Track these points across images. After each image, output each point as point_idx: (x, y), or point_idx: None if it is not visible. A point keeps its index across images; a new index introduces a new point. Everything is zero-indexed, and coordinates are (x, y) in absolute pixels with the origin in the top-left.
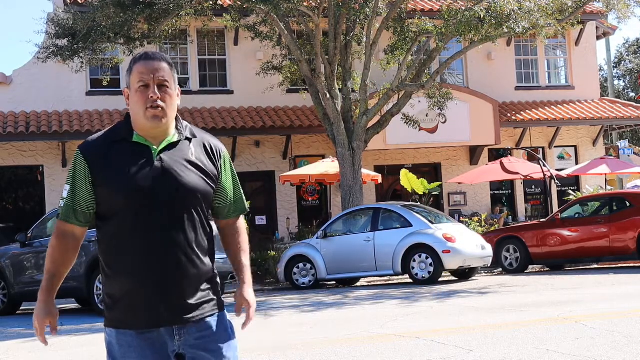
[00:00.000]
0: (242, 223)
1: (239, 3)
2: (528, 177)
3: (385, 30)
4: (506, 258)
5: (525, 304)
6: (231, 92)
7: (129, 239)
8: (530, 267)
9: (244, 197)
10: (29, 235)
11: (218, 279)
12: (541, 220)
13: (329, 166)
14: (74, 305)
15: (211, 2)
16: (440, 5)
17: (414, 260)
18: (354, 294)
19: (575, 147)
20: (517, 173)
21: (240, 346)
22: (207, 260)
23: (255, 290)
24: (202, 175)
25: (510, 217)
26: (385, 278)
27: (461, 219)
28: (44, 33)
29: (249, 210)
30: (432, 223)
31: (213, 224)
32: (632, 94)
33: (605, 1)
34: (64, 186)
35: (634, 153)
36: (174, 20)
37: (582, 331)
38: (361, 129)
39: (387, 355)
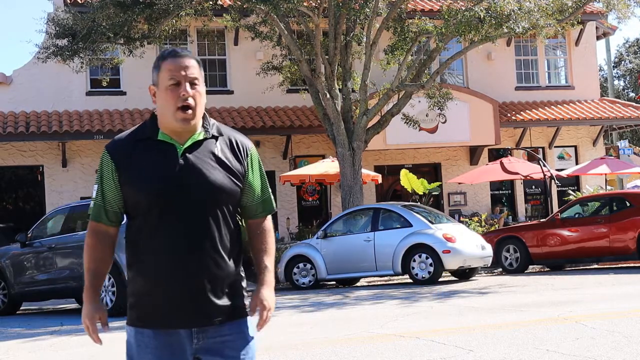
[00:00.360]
0: (269, 224)
1: (239, 3)
2: (528, 177)
3: (385, 30)
4: (506, 258)
5: (525, 304)
6: (231, 92)
7: (153, 239)
8: (530, 267)
9: (272, 197)
10: (29, 235)
11: (244, 283)
12: (541, 220)
13: (329, 166)
14: (74, 305)
15: (211, 2)
16: (440, 5)
17: (414, 260)
18: (354, 294)
19: (575, 147)
20: (517, 173)
21: None
22: (231, 262)
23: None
24: (228, 174)
25: (510, 217)
26: (385, 278)
27: (461, 219)
28: (44, 33)
29: (276, 210)
30: (432, 223)
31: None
32: (632, 94)
33: (605, 1)
34: (92, 186)
35: (634, 153)
36: (174, 20)
37: (582, 331)
38: (361, 129)
39: (387, 355)
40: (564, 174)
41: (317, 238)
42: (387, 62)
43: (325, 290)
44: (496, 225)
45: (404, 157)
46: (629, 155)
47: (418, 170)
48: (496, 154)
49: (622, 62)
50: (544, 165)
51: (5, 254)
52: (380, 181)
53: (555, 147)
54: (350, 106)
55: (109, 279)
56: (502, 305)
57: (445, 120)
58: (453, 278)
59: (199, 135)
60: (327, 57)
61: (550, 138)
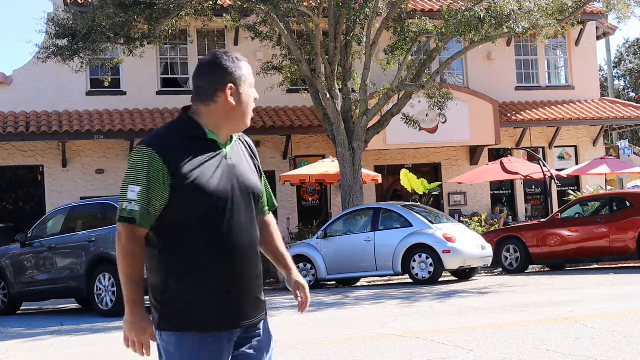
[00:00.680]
0: (273, 218)
1: (239, 3)
2: (528, 177)
3: (385, 30)
4: (506, 258)
5: (525, 304)
6: None
7: (210, 240)
8: (531, 267)
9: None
10: (29, 235)
11: None
12: (541, 220)
13: (329, 166)
14: (74, 305)
15: (211, 2)
16: (440, 5)
17: (414, 260)
18: (354, 294)
19: (575, 147)
20: (517, 173)
21: None
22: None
23: None
24: (256, 174)
25: (510, 217)
26: (386, 278)
27: (461, 219)
28: (44, 33)
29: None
30: (432, 223)
31: None
32: (632, 94)
33: (605, 1)
34: (127, 187)
35: (634, 153)
36: (174, 21)
37: (582, 331)
38: (361, 129)
39: (387, 355)
40: (564, 174)
41: (317, 238)
42: (387, 62)
43: (325, 290)
44: (496, 225)
45: (404, 157)
46: (629, 155)
47: (418, 170)
48: (496, 154)
49: (622, 62)
50: (544, 165)
51: (5, 254)
52: (380, 181)
53: (555, 147)
54: (351, 106)
55: (109, 279)
56: (502, 305)
57: (446, 120)
58: (453, 278)
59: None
60: (327, 57)
61: (550, 138)
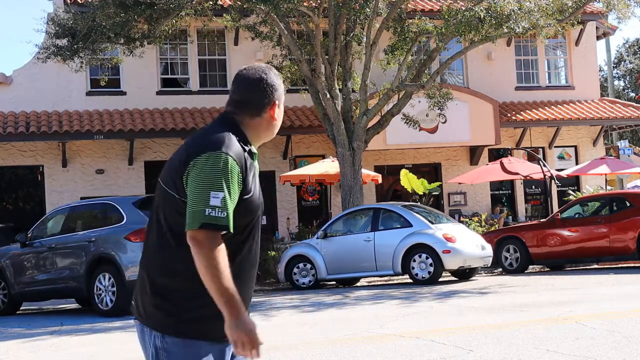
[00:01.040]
0: None
1: (239, 3)
2: (528, 177)
3: (385, 30)
4: (506, 258)
5: (525, 304)
6: None
7: (241, 249)
8: (530, 267)
9: None
10: (29, 235)
11: None
12: (541, 220)
13: (329, 166)
14: (74, 305)
15: (211, 2)
16: (440, 5)
17: (414, 260)
18: (354, 294)
19: (575, 147)
20: (517, 173)
21: None
22: None
23: (255, 291)
24: None
25: (510, 217)
26: (386, 278)
27: (461, 219)
28: (44, 33)
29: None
30: (432, 223)
31: None
32: (632, 94)
33: (605, 1)
34: (209, 192)
35: (634, 153)
36: (174, 20)
37: (582, 331)
38: (361, 129)
39: (387, 355)
40: (564, 174)
41: (317, 238)
42: (387, 62)
43: (325, 290)
44: (496, 225)
45: (404, 157)
46: (629, 155)
47: (418, 170)
48: (496, 154)
49: (622, 62)
50: (544, 165)
51: (5, 254)
52: (380, 181)
53: (555, 147)
54: (350, 106)
55: (109, 279)
56: (502, 305)
57: (445, 120)
58: (453, 278)
59: None
60: (327, 57)
61: (550, 138)
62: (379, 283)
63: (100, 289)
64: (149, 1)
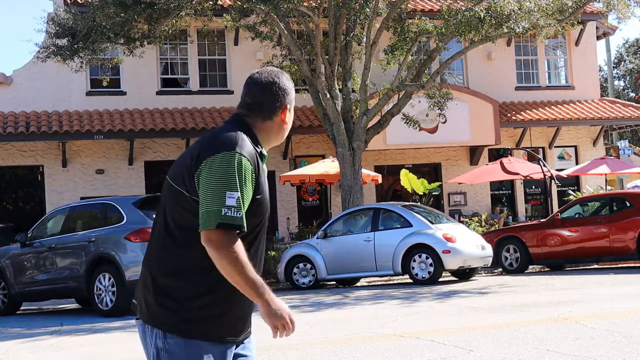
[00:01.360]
0: None
1: (239, 3)
2: (528, 177)
3: (385, 30)
4: (506, 258)
5: (525, 304)
6: (231, 92)
7: (249, 250)
8: (530, 267)
9: None
10: (29, 235)
11: None
12: (541, 220)
13: (329, 166)
14: (74, 305)
15: (211, 2)
16: (440, 5)
17: (414, 260)
18: (354, 294)
19: (575, 147)
20: (517, 173)
21: None
22: None
23: None
24: None
25: (510, 217)
26: (386, 278)
27: (461, 219)
28: (44, 32)
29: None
30: (432, 223)
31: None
32: (632, 94)
33: (605, 1)
34: (224, 192)
35: (634, 153)
36: (174, 20)
37: (582, 331)
38: (361, 129)
39: (387, 355)
40: (564, 174)
41: (317, 238)
42: (387, 62)
43: (325, 290)
44: (496, 225)
45: (404, 157)
46: (629, 155)
47: (418, 170)
48: (496, 154)
49: (622, 62)
50: (544, 165)
51: (5, 254)
52: (380, 181)
53: (555, 147)
54: (350, 106)
55: (109, 279)
56: (502, 305)
57: (445, 120)
58: (453, 278)
59: None
60: (327, 57)
61: (550, 138)
62: (379, 283)
63: (100, 289)
64: (148, 1)
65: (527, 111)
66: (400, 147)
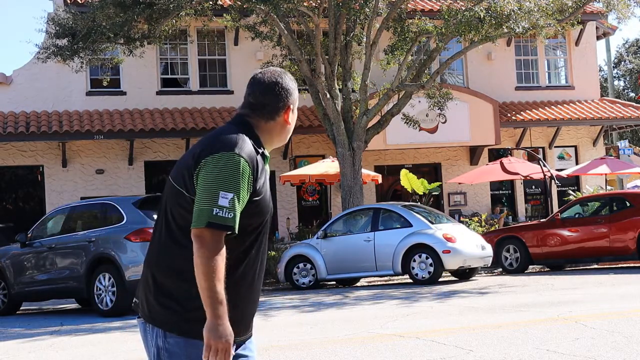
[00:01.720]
0: None
1: (239, 3)
2: (528, 177)
3: (385, 30)
4: (506, 258)
5: (525, 304)
6: (231, 92)
7: (250, 251)
8: (530, 267)
9: None
10: (29, 235)
11: None
12: (541, 220)
13: (329, 166)
14: (74, 305)
15: (211, 2)
16: (440, 5)
17: (414, 260)
18: (354, 294)
19: (575, 147)
20: (517, 173)
21: None
22: None
23: None
24: None
25: (510, 217)
26: (386, 278)
27: (461, 219)
28: (44, 32)
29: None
30: (432, 223)
31: None
32: (632, 94)
33: (605, 1)
34: (218, 192)
35: (634, 153)
36: (174, 20)
37: (582, 331)
38: (361, 129)
39: (387, 355)
40: (564, 174)
41: (317, 238)
42: (387, 62)
43: (325, 290)
44: (496, 225)
45: (404, 157)
46: (629, 155)
47: (418, 170)
48: (496, 154)
49: (622, 62)
50: (544, 165)
51: (5, 254)
52: (380, 181)
53: (555, 147)
54: (350, 106)
55: (109, 279)
56: (502, 305)
57: (445, 120)
58: (453, 278)
59: None
60: (327, 57)
61: (550, 138)
62: (379, 283)
63: (100, 289)
64: (148, 1)
65: (527, 111)
66: (400, 147)
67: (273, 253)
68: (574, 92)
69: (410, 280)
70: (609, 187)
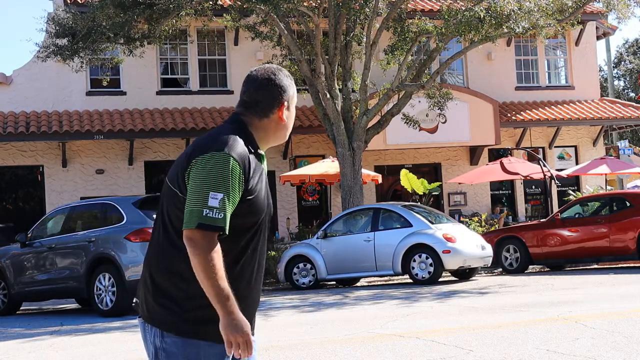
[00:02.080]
0: None
1: (239, 3)
2: (528, 177)
3: (385, 30)
4: (506, 258)
5: (525, 304)
6: (231, 92)
7: (246, 250)
8: (530, 267)
9: None
10: (29, 235)
11: None
12: (541, 220)
13: (329, 166)
14: (74, 305)
15: (211, 2)
16: (440, 5)
17: (414, 260)
18: (354, 294)
19: (575, 147)
20: (517, 173)
21: None
22: None
23: None
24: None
25: (510, 217)
26: (385, 278)
27: (461, 219)
28: (44, 32)
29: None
30: (432, 223)
31: None
32: (632, 94)
33: (605, 1)
34: (207, 193)
35: (634, 153)
36: (174, 20)
37: (582, 331)
38: (361, 129)
39: (387, 355)
40: (564, 174)
41: (317, 238)
42: (387, 62)
43: (325, 290)
44: (496, 225)
45: (404, 157)
46: (629, 155)
47: (418, 170)
48: (496, 154)
49: (622, 62)
50: (544, 165)
51: (5, 254)
52: (380, 181)
53: (555, 147)
54: (350, 106)
55: (109, 279)
56: (502, 305)
57: (445, 120)
58: (453, 278)
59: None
60: (327, 57)
61: (550, 138)
62: (379, 283)
63: (100, 289)
64: (148, 1)
65: (527, 111)
66: (400, 147)
67: (273, 253)
68: (574, 92)
69: (410, 280)
70: (609, 187)
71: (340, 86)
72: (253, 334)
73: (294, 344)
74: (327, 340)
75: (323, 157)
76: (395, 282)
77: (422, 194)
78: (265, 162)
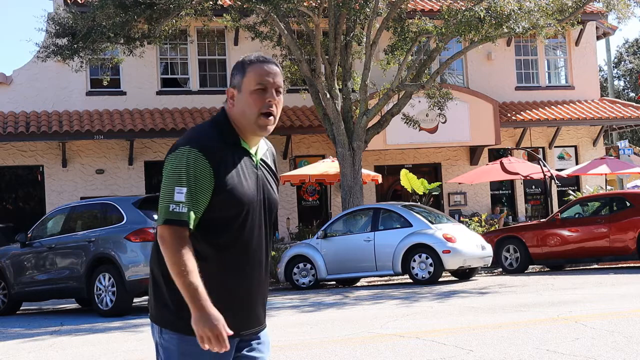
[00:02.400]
0: None
1: (239, 3)
2: (528, 177)
3: (385, 30)
4: (506, 258)
5: (525, 304)
6: None
7: (231, 243)
8: (530, 267)
9: None
10: (29, 235)
11: None
12: (541, 220)
13: (329, 166)
14: (74, 305)
15: (211, 2)
16: (440, 5)
17: (414, 260)
18: (354, 294)
19: (575, 147)
20: (517, 173)
21: None
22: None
23: None
24: (277, 190)
25: (510, 217)
26: (385, 278)
27: (461, 219)
28: (44, 32)
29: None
30: (432, 223)
31: None
32: (632, 94)
33: (605, 1)
34: (173, 188)
35: (634, 153)
36: (174, 20)
37: (582, 331)
38: (361, 129)
39: (387, 355)
40: (564, 174)
41: (317, 238)
42: (387, 62)
43: (325, 290)
44: (496, 225)
45: (404, 157)
46: (629, 155)
47: (418, 170)
48: (496, 154)
49: (622, 62)
50: (544, 165)
51: (5, 254)
52: (380, 181)
53: (555, 147)
54: (350, 106)
55: (109, 279)
56: (502, 305)
57: (445, 120)
58: (453, 278)
59: (261, 144)
60: (327, 57)
61: (550, 138)
62: (379, 283)
63: (100, 289)
64: (148, 1)
65: (527, 111)
66: (400, 147)
67: (273, 253)
68: (574, 92)
69: (410, 280)
70: (609, 187)
71: (340, 86)
72: (256, 332)
73: (294, 344)
74: (327, 340)
75: (323, 157)
76: (395, 282)
77: (422, 194)
78: (258, 153)
